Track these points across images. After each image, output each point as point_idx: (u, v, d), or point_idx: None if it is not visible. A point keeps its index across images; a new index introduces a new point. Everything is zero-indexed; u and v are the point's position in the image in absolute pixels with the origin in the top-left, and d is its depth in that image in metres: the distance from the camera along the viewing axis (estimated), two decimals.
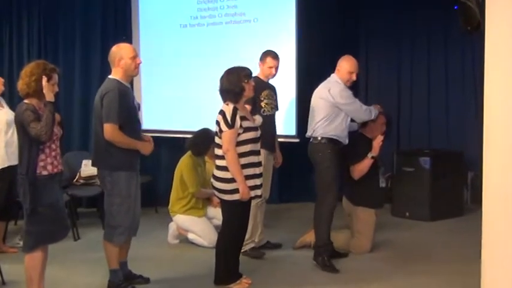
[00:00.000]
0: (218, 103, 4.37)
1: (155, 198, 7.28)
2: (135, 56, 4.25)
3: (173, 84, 7.32)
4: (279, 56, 5.37)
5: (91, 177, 6.34)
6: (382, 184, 5.47)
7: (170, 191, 5.88)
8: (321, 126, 4.92)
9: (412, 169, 6.84)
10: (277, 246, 5.49)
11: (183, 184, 5.69)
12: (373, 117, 5.11)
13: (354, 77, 5.02)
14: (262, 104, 5.18)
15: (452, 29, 7.21)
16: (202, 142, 5.66)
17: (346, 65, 4.98)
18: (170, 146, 7.52)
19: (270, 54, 5.25)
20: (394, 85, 8.02)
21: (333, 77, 5.03)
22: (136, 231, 4.43)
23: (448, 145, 7.69)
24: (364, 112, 5.06)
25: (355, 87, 7.76)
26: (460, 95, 7.73)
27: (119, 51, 4.22)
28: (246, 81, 4.22)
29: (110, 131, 4.08)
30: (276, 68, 5.27)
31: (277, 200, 7.80)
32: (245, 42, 6.78)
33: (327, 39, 7.46)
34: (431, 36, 7.76)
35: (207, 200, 5.88)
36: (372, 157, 5.18)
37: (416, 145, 7.67)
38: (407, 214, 6.87)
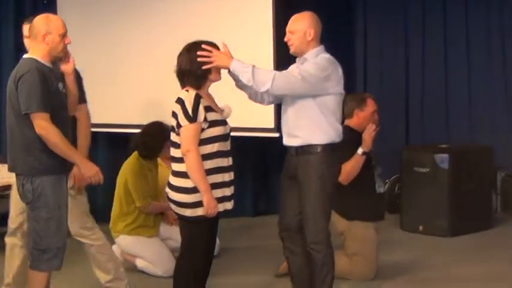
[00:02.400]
0: (175, 89, 4.31)
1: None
2: (65, 34, 4.24)
3: (112, 64, 7.32)
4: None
5: (5, 188, 6.13)
6: (380, 189, 5.51)
7: (111, 204, 5.87)
8: None
9: (426, 170, 6.89)
10: None
11: (128, 195, 5.67)
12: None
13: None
14: None
15: None
16: (152, 140, 5.65)
17: None
18: (110, 144, 7.61)
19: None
20: (400, 63, 8.13)
21: None
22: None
23: (471, 138, 7.81)
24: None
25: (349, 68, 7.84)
26: (486, 75, 7.84)
27: (47, 23, 4.22)
28: None
29: (41, 122, 4.05)
30: None
31: (250, 212, 7.84)
32: (208, 9, 6.79)
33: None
34: (448, 3, 7.89)
35: (160, 216, 5.87)
36: (364, 153, 5.19)
37: (431, 139, 7.77)
38: (420, 228, 6.92)
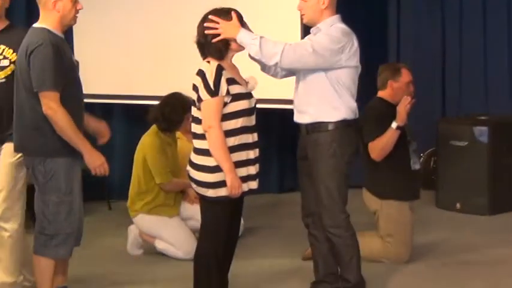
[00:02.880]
0: (195, 58, 4.27)
1: (107, 190, 7.34)
2: None
3: (126, 30, 7.26)
4: None
5: None
6: (415, 166, 5.42)
7: (128, 181, 5.86)
8: None
9: (464, 143, 6.87)
10: None
11: (147, 172, 5.65)
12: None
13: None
14: None
15: None
16: (172, 112, 5.64)
17: None
18: (126, 117, 7.64)
19: None
20: (436, 30, 8.05)
21: None
22: (80, 240, 4.41)
23: (510, 111, 7.71)
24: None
25: (376, 41, 7.76)
26: None
27: None
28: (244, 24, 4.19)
29: (50, 102, 4.03)
30: None
31: (276, 188, 7.84)
32: None
33: None
34: None
35: (181, 194, 5.86)
36: (398, 127, 5.11)
37: (468, 110, 7.73)
38: (458, 206, 6.92)
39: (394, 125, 5.10)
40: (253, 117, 4.27)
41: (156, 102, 5.96)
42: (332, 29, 4.27)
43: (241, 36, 4.12)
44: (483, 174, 6.78)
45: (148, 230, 5.76)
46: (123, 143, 7.53)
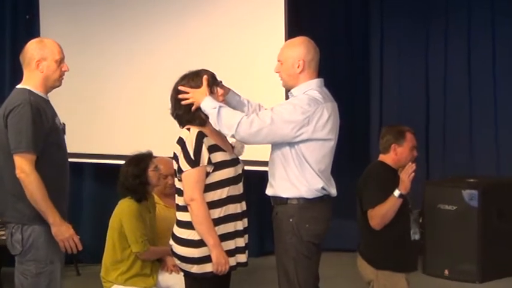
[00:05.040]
0: (167, 116, 4.25)
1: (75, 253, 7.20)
2: (62, 60, 4.23)
3: (97, 87, 7.35)
4: None
5: None
6: (415, 236, 5.30)
7: (98, 242, 5.78)
8: None
9: (453, 207, 6.83)
10: None
11: (123, 240, 5.45)
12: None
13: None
14: None
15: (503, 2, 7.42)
16: (133, 183, 5.38)
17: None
18: (96, 177, 7.58)
19: None
20: (420, 84, 8.06)
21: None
22: None
23: (497, 171, 7.72)
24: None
25: (359, 90, 7.71)
26: None
27: (41, 48, 4.19)
28: (214, 88, 4.12)
29: (24, 165, 4.00)
30: None
31: (255, 252, 7.71)
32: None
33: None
34: (473, 16, 7.80)
35: (158, 263, 5.65)
36: (401, 196, 4.95)
37: (453, 171, 7.70)
38: (446, 272, 6.86)
39: (397, 193, 4.94)
40: (241, 185, 4.19)
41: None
42: (300, 98, 4.07)
43: (204, 105, 4.00)
44: (473, 239, 6.73)
45: None
46: (93, 203, 7.54)
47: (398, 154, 5.14)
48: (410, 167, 4.89)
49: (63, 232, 4.09)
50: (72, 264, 7.22)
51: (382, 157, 5.22)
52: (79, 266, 7.26)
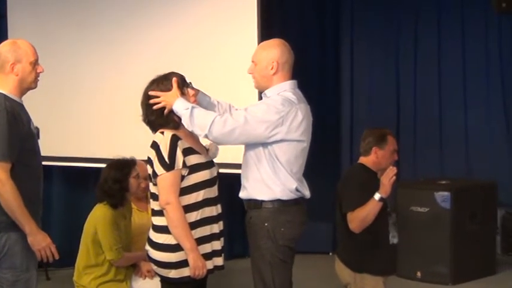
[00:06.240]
0: (138, 119, 4.22)
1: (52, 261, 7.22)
2: (36, 61, 4.17)
3: (68, 90, 7.34)
4: None
5: None
6: (394, 240, 5.30)
7: (68, 247, 5.77)
8: None
9: (425, 209, 6.84)
10: None
11: (97, 246, 5.41)
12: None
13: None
14: None
15: (472, 8, 7.45)
16: (112, 188, 5.35)
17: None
18: (65, 180, 7.54)
19: None
20: (390, 85, 8.10)
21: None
22: None
23: (468, 172, 7.78)
24: None
25: (329, 92, 7.77)
26: (483, 101, 7.83)
27: (15, 50, 4.14)
28: (184, 89, 4.10)
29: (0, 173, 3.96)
30: None
31: (225, 254, 7.58)
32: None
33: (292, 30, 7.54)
34: (443, 20, 7.86)
35: (132, 268, 5.61)
36: (381, 199, 4.95)
37: (423, 173, 7.73)
38: (418, 274, 6.87)
39: (377, 196, 4.92)
40: (216, 188, 4.16)
41: (98, 165, 5.88)
42: (274, 98, 4.05)
43: (176, 106, 3.98)
44: (445, 241, 6.74)
45: None
46: (62, 206, 7.48)
47: (379, 157, 5.13)
48: (392, 171, 4.89)
49: (40, 241, 4.04)
50: (42, 269, 7.08)
51: (362, 159, 5.21)
52: (48, 271, 7.18)
